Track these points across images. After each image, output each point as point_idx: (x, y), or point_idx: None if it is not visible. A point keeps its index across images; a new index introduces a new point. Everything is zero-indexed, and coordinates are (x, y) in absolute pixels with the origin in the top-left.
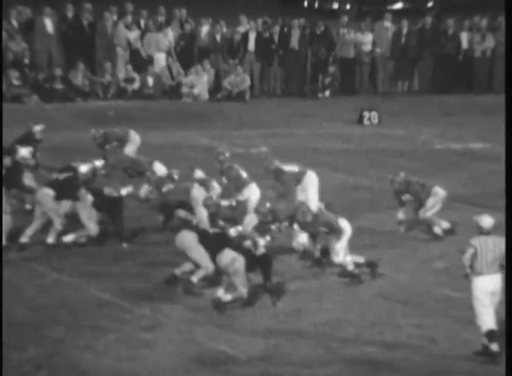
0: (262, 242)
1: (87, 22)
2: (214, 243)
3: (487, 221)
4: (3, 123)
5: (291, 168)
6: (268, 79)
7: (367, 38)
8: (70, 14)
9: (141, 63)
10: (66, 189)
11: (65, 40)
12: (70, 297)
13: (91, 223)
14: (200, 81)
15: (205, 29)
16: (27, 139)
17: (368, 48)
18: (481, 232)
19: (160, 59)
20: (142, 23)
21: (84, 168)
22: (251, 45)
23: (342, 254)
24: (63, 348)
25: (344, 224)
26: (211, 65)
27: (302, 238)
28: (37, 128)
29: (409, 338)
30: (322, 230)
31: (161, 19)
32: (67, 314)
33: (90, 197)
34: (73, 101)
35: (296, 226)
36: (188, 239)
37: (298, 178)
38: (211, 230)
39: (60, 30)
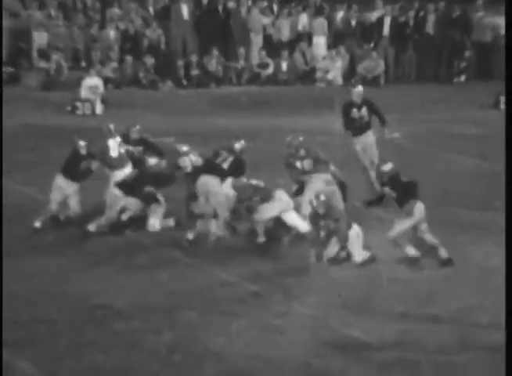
0: None
1: (221, 7)
2: None
3: None
4: (138, 109)
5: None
6: (402, 64)
7: (503, 22)
8: (205, 0)
9: (274, 48)
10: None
11: (200, 26)
12: (202, 282)
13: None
14: (334, 66)
15: (340, 14)
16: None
17: (504, 32)
18: None
19: (320, 43)
20: (276, 8)
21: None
22: (386, 30)
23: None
24: (196, 332)
25: None
26: (346, 50)
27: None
28: (134, 129)
29: None
30: None
31: (295, 3)
32: (200, 299)
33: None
34: (207, 87)
35: None
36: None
37: None
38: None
39: (195, 16)
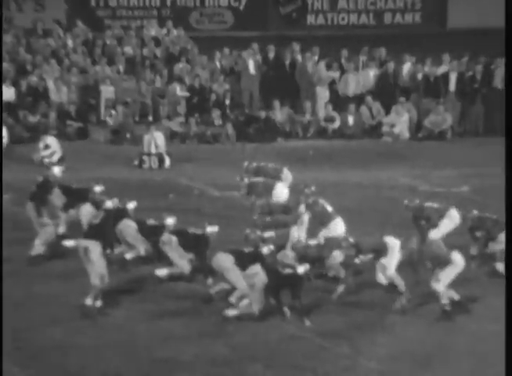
0: (301, 268)
1: (289, 62)
2: (247, 261)
3: None
4: (203, 163)
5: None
6: (470, 118)
7: None
8: (271, 54)
9: (341, 102)
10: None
11: (266, 80)
12: (269, 335)
13: (183, 261)
14: (400, 120)
15: (406, 67)
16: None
17: None
18: None
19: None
20: (344, 62)
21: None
22: (452, 85)
23: (443, 283)
24: None
25: (456, 257)
26: (412, 104)
27: (389, 271)
28: (97, 188)
29: None
30: (427, 265)
31: (363, 58)
32: (267, 352)
33: (174, 238)
34: (274, 141)
35: (383, 260)
36: (224, 260)
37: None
38: (246, 250)
39: (262, 71)
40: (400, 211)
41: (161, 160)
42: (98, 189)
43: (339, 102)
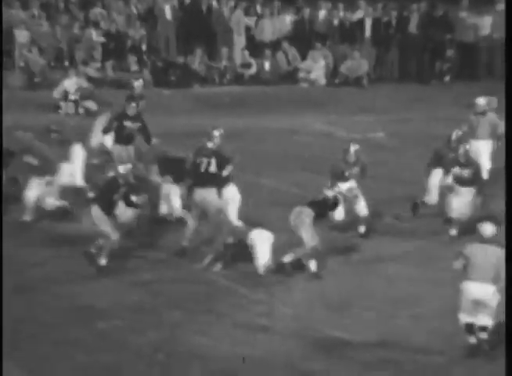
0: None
1: (205, 7)
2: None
3: (488, 229)
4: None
5: None
6: (385, 64)
7: (485, 22)
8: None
9: (257, 48)
10: None
11: (183, 26)
12: (185, 281)
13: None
14: (316, 67)
15: (322, 13)
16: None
17: (486, 32)
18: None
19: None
20: (259, 8)
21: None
22: (368, 31)
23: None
24: (179, 332)
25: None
26: (328, 50)
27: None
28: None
29: None
30: None
31: (278, 4)
32: (184, 299)
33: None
34: (191, 87)
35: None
36: (307, 215)
37: None
38: None
39: (178, 16)
40: (315, 157)
41: (77, 106)
42: None
43: (255, 48)
